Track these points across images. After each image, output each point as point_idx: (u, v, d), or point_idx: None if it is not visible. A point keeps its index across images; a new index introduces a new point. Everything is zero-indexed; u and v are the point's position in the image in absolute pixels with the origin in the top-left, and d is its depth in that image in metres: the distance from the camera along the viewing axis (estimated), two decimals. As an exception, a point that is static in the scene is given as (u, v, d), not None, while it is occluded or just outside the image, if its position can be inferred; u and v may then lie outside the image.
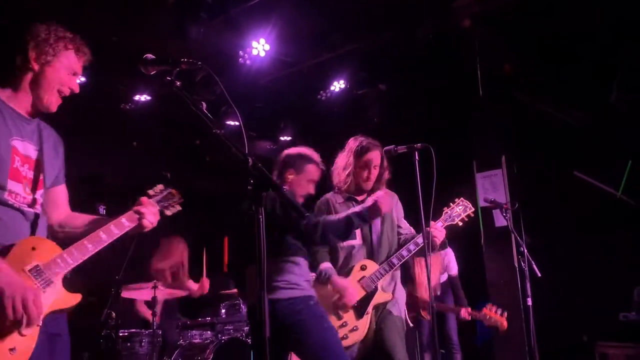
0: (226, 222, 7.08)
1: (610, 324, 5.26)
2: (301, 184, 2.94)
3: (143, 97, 5.16)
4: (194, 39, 3.89)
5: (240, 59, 4.29)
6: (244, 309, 4.97)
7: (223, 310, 5.05)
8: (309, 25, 4.34)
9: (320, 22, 4.35)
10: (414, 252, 3.28)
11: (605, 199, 5.49)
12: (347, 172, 3.32)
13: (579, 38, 4.99)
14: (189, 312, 5.50)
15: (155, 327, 4.40)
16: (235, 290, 5.31)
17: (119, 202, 5.76)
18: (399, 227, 3.39)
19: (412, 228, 3.46)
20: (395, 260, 3.25)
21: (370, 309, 3.16)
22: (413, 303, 4.52)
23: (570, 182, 5.59)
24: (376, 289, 3.15)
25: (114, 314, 4.55)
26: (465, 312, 4.58)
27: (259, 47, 4.23)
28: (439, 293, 4.89)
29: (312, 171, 3.01)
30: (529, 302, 4.01)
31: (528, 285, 4.03)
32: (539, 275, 4.00)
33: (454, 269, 5.03)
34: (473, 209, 3.34)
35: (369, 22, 4.43)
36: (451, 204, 3.35)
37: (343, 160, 3.36)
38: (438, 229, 3.22)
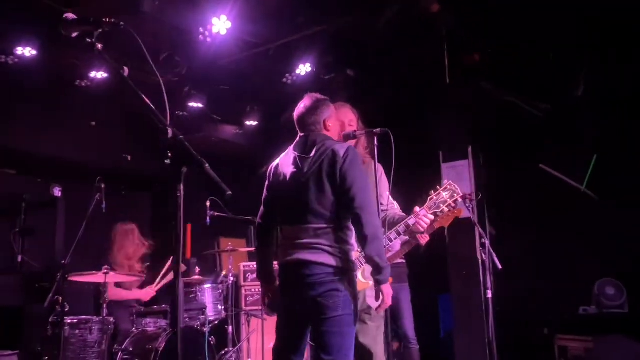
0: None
1: (570, 318, 5.29)
2: None
3: (99, 74, 4.93)
4: (149, 13, 3.69)
5: (200, 36, 4.10)
6: (200, 297, 4.83)
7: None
8: (273, 4, 4.17)
9: (285, 1, 4.18)
10: (395, 240, 3.15)
11: (570, 192, 5.49)
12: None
13: (547, 30, 4.95)
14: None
15: (105, 314, 4.23)
16: (197, 277, 5.16)
17: (77, 183, 5.57)
18: (380, 204, 3.16)
19: (395, 203, 3.31)
20: (394, 235, 3.11)
21: None
22: None
23: (536, 175, 5.57)
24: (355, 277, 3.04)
25: (60, 300, 4.36)
26: (422, 237, 4.36)
27: (220, 25, 4.05)
28: None
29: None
30: (489, 294, 3.97)
31: (489, 277, 3.99)
32: (500, 267, 3.96)
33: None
34: (461, 194, 3.13)
35: (336, 3, 4.29)
36: (438, 187, 3.12)
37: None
38: (422, 217, 3.04)
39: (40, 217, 6.08)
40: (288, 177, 2.79)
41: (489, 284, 3.98)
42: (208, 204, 5.18)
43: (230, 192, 1.53)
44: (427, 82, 5.51)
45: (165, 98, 1.64)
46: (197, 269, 5.30)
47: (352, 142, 3.10)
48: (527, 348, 5.55)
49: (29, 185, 6.02)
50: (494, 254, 4.01)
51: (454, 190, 3.09)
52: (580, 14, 4.66)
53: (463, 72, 5.37)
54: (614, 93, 5.23)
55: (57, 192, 5.87)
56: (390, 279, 4.52)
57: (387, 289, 2.65)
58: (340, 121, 3.12)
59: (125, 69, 1.61)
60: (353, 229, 2.70)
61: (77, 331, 4.32)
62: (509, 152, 5.62)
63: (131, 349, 4.34)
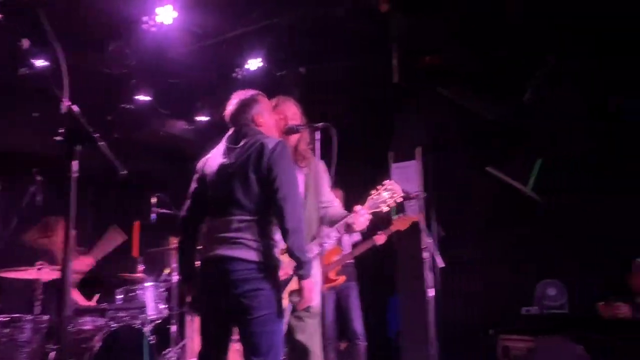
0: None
1: (513, 318, 5.38)
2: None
3: (41, 62, 4.70)
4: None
5: (144, 25, 3.98)
6: (140, 295, 4.69)
7: (119, 296, 4.74)
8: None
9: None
10: (335, 240, 3.16)
11: (516, 195, 5.59)
12: None
13: (498, 33, 5.02)
14: (84, 296, 5.14)
15: (38, 312, 4.04)
16: (139, 275, 5.01)
17: (16, 177, 5.32)
18: (320, 201, 3.15)
19: (336, 200, 3.27)
20: (314, 248, 3.06)
21: (285, 295, 2.95)
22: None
23: (484, 177, 5.66)
24: (292, 276, 2.93)
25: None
26: (379, 238, 4.48)
27: (165, 14, 3.94)
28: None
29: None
30: (431, 293, 3.98)
31: (430, 276, 4.01)
32: (442, 265, 3.99)
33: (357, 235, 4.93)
34: (402, 194, 3.13)
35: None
36: (378, 187, 3.12)
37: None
38: (362, 218, 3.02)
39: None
40: (216, 168, 2.73)
41: (430, 283, 4.00)
42: (153, 200, 5.06)
43: (124, 172, 1.45)
44: (379, 83, 5.53)
45: (65, 70, 1.52)
46: (140, 267, 5.16)
47: (294, 137, 3.06)
48: (472, 348, 5.62)
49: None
50: (436, 253, 4.04)
51: (394, 190, 3.09)
52: (532, 19, 4.74)
53: (415, 73, 5.40)
54: (562, 98, 5.35)
55: (-4, 185, 5.62)
56: (343, 278, 4.54)
57: (309, 285, 2.59)
58: (282, 115, 3.08)
59: (24, 41, 1.49)
60: None
61: (6, 330, 4.11)
62: (458, 154, 5.69)
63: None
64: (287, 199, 2.54)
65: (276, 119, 3.00)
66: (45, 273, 4.11)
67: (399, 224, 4.42)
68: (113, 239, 5.17)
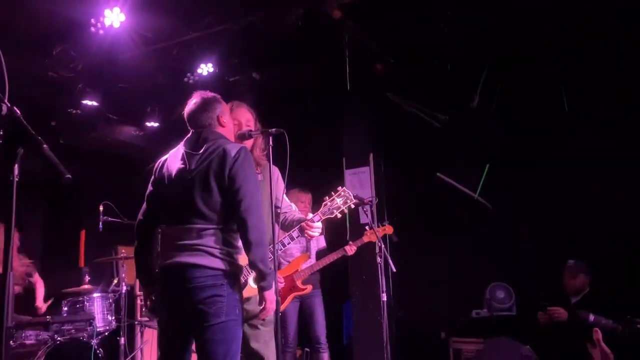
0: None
1: (464, 321, 5.49)
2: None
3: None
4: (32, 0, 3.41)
5: (92, 28, 3.86)
6: (87, 306, 4.53)
7: (65, 309, 4.56)
8: (172, -2, 4.02)
9: (185, -4, 4.05)
10: (288, 245, 3.14)
11: (465, 200, 5.73)
12: None
13: (446, 44, 5.15)
14: (27, 309, 4.92)
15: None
16: (86, 286, 4.83)
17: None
18: (276, 207, 3.08)
19: (292, 205, 3.28)
20: (287, 240, 3.11)
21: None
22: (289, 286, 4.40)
23: (434, 182, 5.78)
24: (246, 283, 2.93)
25: None
26: (349, 248, 4.48)
27: (113, 17, 3.83)
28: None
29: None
30: (383, 297, 4.01)
31: (382, 280, 4.04)
32: (394, 270, 4.03)
33: (323, 242, 4.98)
34: (355, 201, 3.17)
35: (240, 2, 4.21)
36: (332, 193, 3.14)
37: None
38: (314, 226, 3.04)
39: None
40: (174, 173, 2.64)
41: (383, 287, 4.03)
42: (101, 208, 4.90)
43: (69, 176, 1.39)
44: (330, 89, 5.57)
45: (5, 69, 1.45)
46: (87, 278, 4.98)
47: (248, 143, 3.02)
48: (425, 351, 5.70)
49: None
50: (389, 257, 4.08)
51: (347, 197, 3.10)
52: (480, 28, 4.88)
53: (366, 80, 5.47)
54: (508, 105, 5.53)
55: None
56: (310, 287, 4.48)
57: (271, 296, 2.57)
58: (236, 120, 3.05)
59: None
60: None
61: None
62: (409, 160, 5.79)
63: (5, 364, 3.96)
64: (250, 210, 2.49)
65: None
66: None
67: (372, 235, 4.43)
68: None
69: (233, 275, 2.54)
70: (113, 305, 4.72)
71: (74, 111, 5.31)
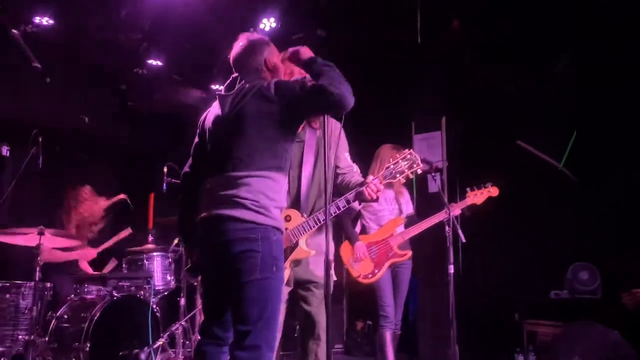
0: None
1: (541, 302, 5.05)
2: None
3: (45, 20, 4.52)
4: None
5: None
6: (147, 265, 4.52)
7: (124, 266, 4.58)
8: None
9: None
10: (343, 209, 2.85)
11: (547, 171, 5.21)
12: None
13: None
14: (94, 265, 5.00)
15: (38, 278, 3.88)
16: (149, 245, 4.83)
17: (26, 144, 5.20)
18: (337, 167, 2.94)
19: (354, 166, 3.05)
20: (321, 217, 2.80)
21: (287, 264, 2.78)
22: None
23: (513, 151, 5.29)
24: (297, 244, 2.78)
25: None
26: (453, 210, 3.93)
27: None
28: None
29: None
30: (451, 270, 3.68)
31: (450, 252, 3.70)
32: (463, 240, 3.69)
33: (411, 207, 4.47)
34: (422, 165, 2.89)
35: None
36: (397, 155, 2.89)
37: None
38: (374, 187, 2.78)
39: None
40: (212, 121, 2.50)
41: (451, 260, 3.69)
42: (165, 170, 4.88)
43: (37, 65, 1.20)
44: (402, 50, 5.19)
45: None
46: (150, 238, 4.98)
47: None
48: (495, 332, 5.32)
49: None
50: (458, 227, 3.74)
51: (413, 161, 2.83)
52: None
53: (440, 39, 5.04)
54: (598, 68, 4.93)
55: (5, 151, 5.52)
56: (409, 253, 4.03)
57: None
58: (289, 69, 2.81)
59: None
60: (279, 180, 2.39)
61: (7, 296, 4.00)
62: (486, 126, 5.32)
63: (66, 317, 4.03)
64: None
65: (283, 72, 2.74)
66: (46, 239, 3.95)
67: (475, 197, 4.07)
68: (123, 236, 5.04)
69: (269, 229, 2.32)
70: (173, 265, 4.69)
71: (140, 70, 5.27)
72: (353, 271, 4.14)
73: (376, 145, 4.42)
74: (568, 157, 5.08)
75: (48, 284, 4.18)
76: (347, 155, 3.03)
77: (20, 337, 3.90)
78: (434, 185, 4.42)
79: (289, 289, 2.87)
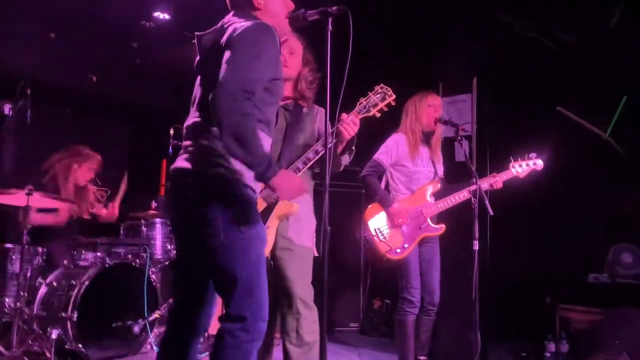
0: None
1: (577, 286, 4.58)
2: None
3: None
4: None
5: None
6: (145, 232, 4.20)
7: (122, 232, 4.28)
8: None
9: None
10: (321, 153, 2.58)
11: (590, 141, 4.68)
12: None
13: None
14: (97, 231, 4.72)
15: (26, 242, 3.59)
16: (151, 212, 4.51)
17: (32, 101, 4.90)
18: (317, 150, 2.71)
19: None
20: (300, 165, 2.63)
21: (271, 222, 2.56)
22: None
23: (552, 118, 4.76)
24: (278, 200, 2.56)
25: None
26: (494, 180, 3.54)
27: None
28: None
29: None
30: (475, 246, 3.24)
31: (476, 226, 3.25)
32: (491, 213, 3.24)
33: (442, 169, 3.83)
34: (394, 97, 2.71)
35: None
36: (368, 92, 2.72)
37: None
38: (348, 122, 2.59)
39: None
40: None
41: (476, 234, 3.25)
42: (172, 132, 4.56)
43: None
44: (428, 3, 4.66)
45: None
46: (154, 204, 4.66)
47: (295, 64, 2.75)
48: (524, 316, 4.88)
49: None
50: (486, 199, 3.28)
51: (385, 93, 2.70)
52: None
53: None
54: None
55: (7, 109, 5.28)
56: (444, 227, 3.52)
57: (279, 182, 1.94)
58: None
59: None
60: None
61: (-5, 259, 3.74)
62: (523, 90, 4.78)
63: (55, 284, 3.74)
64: (223, 84, 1.86)
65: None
66: (35, 199, 3.66)
67: (519, 168, 3.59)
68: (125, 182, 4.76)
69: (230, 182, 1.96)
70: (174, 233, 4.36)
71: (147, 23, 4.90)
72: (381, 245, 3.52)
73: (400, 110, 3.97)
74: (615, 125, 4.53)
75: (40, 249, 3.90)
76: None
77: (7, 304, 3.64)
78: (461, 153, 3.92)
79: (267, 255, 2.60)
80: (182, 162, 2.04)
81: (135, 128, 6.91)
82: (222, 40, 1.99)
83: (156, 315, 3.87)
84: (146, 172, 6.18)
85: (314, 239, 2.83)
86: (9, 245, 3.75)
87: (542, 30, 4.70)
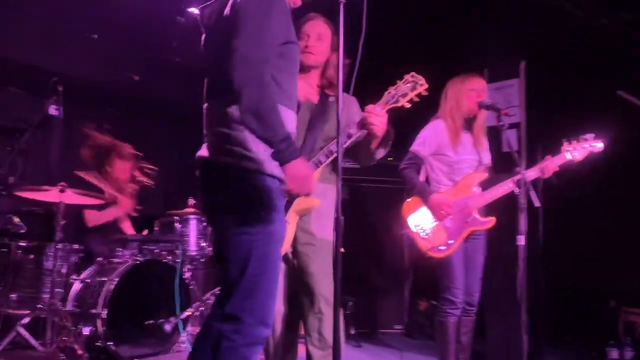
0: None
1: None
2: None
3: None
4: None
5: None
6: (179, 228, 4.14)
7: (155, 229, 4.24)
8: None
9: None
10: (345, 144, 2.38)
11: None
12: None
13: None
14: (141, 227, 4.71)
15: (59, 238, 3.60)
16: (188, 209, 4.45)
17: (76, 102, 5.00)
18: (349, 134, 2.51)
19: None
20: (323, 157, 2.45)
21: (290, 217, 2.39)
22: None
23: (611, 103, 4.35)
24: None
25: (15, 219, 3.83)
26: (547, 166, 3.21)
27: None
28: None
29: None
30: (520, 241, 2.95)
31: (522, 218, 2.96)
32: (537, 204, 2.95)
33: (488, 157, 3.53)
34: (426, 86, 2.46)
35: None
36: (398, 81, 2.49)
37: None
38: (375, 113, 2.38)
39: (37, 137, 5.70)
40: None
41: (521, 228, 2.96)
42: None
43: None
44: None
45: None
46: (191, 201, 4.60)
47: (322, 51, 2.57)
48: (583, 320, 4.50)
49: (24, 102, 5.57)
50: (530, 188, 3.00)
51: (416, 82, 2.47)
52: None
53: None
54: None
55: (54, 110, 5.39)
56: (493, 220, 3.24)
57: (293, 169, 1.79)
58: (304, 34, 2.55)
59: None
60: None
61: (31, 256, 3.78)
62: (576, 73, 4.40)
63: (88, 280, 3.74)
64: (236, 53, 1.73)
65: None
66: (68, 196, 3.66)
67: (575, 151, 3.26)
68: (148, 171, 4.72)
69: (246, 171, 1.82)
70: (209, 230, 4.27)
71: (182, 19, 4.89)
72: (423, 242, 3.30)
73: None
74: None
75: (76, 246, 3.91)
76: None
77: (42, 300, 3.66)
78: (506, 142, 3.61)
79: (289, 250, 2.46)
80: (201, 151, 1.96)
81: (176, 127, 6.94)
82: (225, 11, 1.87)
83: (189, 313, 3.79)
84: (187, 172, 6.18)
85: None
86: (46, 243, 3.77)
87: (598, 8, 4.31)
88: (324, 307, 2.40)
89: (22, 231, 3.80)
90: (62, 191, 3.61)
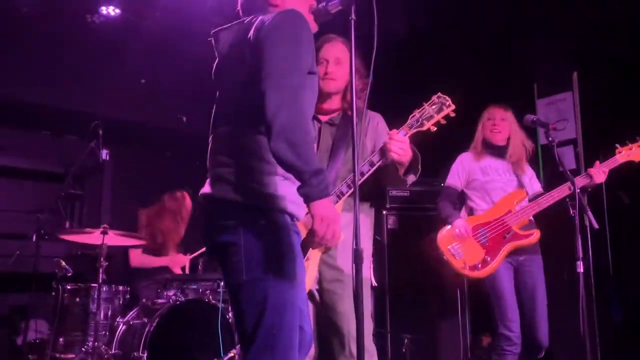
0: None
1: None
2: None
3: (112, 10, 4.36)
4: None
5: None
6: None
7: (200, 267, 4.19)
8: None
9: None
10: (368, 173, 2.28)
11: None
12: None
13: None
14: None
15: (102, 280, 3.62)
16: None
17: (124, 145, 5.12)
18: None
19: None
20: (345, 188, 2.30)
21: (311, 253, 2.24)
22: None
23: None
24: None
25: (62, 263, 3.88)
26: (597, 172, 3.08)
27: None
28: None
29: None
30: (580, 268, 2.66)
31: (578, 242, 2.68)
32: (596, 226, 2.68)
33: (537, 185, 3.47)
34: (453, 107, 2.33)
35: None
36: (424, 103, 2.38)
37: None
38: (396, 139, 2.23)
39: (88, 181, 5.89)
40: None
41: (580, 253, 2.67)
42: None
43: None
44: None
45: None
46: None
47: (342, 76, 2.45)
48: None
49: (75, 148, 5.78)
50: (587, 210, 2.72)
51: (443, 103, 2.36)
52: None
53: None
54: None
55: (105, 155, 5.55)
56: (537, 233, 3.08)
57: (321, 209, 1.59)
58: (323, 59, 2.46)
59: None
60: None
61: (77, 299, 3.81)
62: (632, 85, 4.05)
63: (131, 323, 3.71)
64: (270, 77, 1.62)
65: None
66: (110, 238, 3.69)
67: (631, 152, 3.10)
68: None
69: (259, 211, 1.67)
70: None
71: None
72: (455, 261, 3.26)
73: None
74: None
75: (121, 287, 3.92)
76: None
77: (87, 343, 3.66)
78: (559, 160, 3.33)
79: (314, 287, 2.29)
80: (205, 188, 1.82)
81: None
82: (249, 35, 1.76)
83: (232, 354, 3.67)
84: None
85: (372, 266, 2.48)
86: (92, 285, 3.79)
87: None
88: (353, 346, 2.21)
89: (68, 274, 3.84)
90: (104, 233, 3.64)
